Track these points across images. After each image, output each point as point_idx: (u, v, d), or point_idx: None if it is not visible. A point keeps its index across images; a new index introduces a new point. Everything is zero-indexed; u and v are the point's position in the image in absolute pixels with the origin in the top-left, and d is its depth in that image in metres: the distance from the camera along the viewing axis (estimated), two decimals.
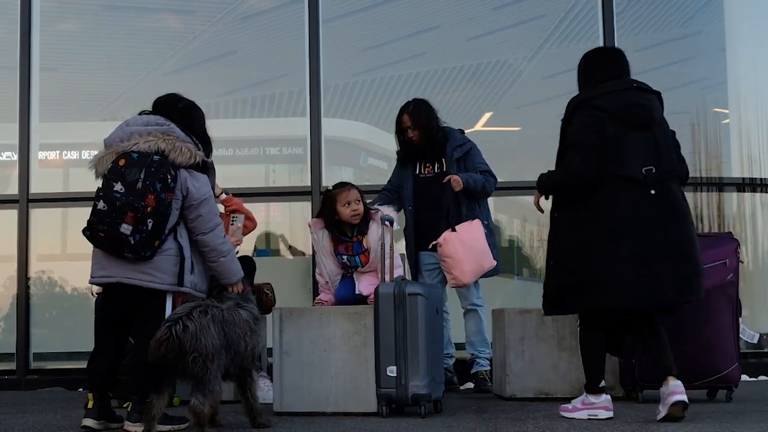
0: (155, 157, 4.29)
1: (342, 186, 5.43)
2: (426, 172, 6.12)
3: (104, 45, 7.94)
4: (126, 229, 4.20)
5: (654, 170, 4.45)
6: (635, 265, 4.40)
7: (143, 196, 4.21)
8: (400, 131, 6.12)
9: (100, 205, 4.24)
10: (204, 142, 4.62)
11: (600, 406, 4.54)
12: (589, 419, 4.50)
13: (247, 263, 5.68)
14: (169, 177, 4.28)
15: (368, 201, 5.56)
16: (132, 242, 4.21)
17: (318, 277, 5.47)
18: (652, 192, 4.44)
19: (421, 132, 6.03)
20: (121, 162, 4.27)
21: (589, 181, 4.46)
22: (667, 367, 4.47)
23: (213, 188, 4.58)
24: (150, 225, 4.23)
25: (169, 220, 4.33)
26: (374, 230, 5.28)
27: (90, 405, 4.45)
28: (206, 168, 4.51)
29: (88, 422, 4.39)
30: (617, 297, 4.43)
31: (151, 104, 4.66)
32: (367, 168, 8.11)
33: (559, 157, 4.67)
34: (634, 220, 4.44)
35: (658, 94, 4.66)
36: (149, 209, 4.21)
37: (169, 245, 4.35)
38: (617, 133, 4.48)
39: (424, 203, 6.05)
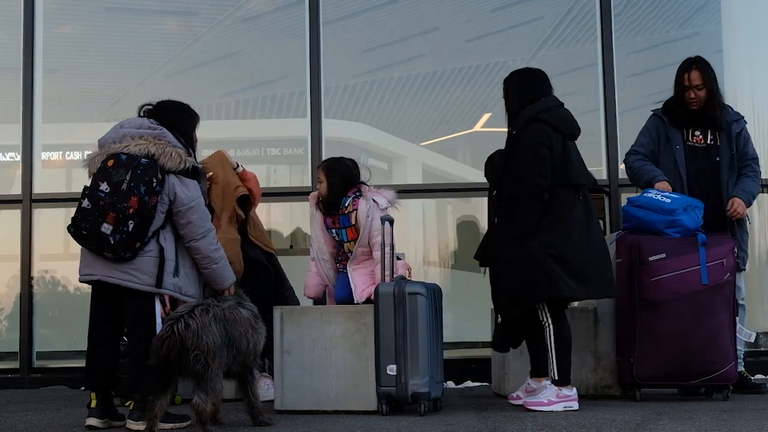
0: (143, 160, 4.35)
1: (321, 163, 5.76)
2: (695, 140, 5.71)
3: (106, 46, 7.98)
4: (106, 228, 4.27)
5: (594, 180, 5.12)
6: (580, 263, 4.84)
7: (126, 197, 4.27)
8: (682, 90, 5.66)
9: (85, 203, 4.32)
10: (189, 141, 4.70)
11: (573, 398, 4.85)
12: (565, 411, 4.76)
13: (263, 269, 5.74)
14: (154, 180, 4.33)
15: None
16: (112, 242, 4.28)
17: (310, 262, 5.66)
18: (579, 198, 4.91)
19: (707, 93, 5.62)
20: (110, 162, 4.35)
21: (545, 193, 4.85)
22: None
23: (204, 195, 4.64)
24: (131, 226, 4.29)
25: (153, 223, 4.38)
26: (363, 207, 5.42)
27: (93, 404, 4.47)
28: (197, 174, 4.56)
29: (92, 421, 4.43)
30: (575, 289, 4.83)
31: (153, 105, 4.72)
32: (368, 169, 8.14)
33: (507, 162, 5.00)
34: (580, 222, 4.88)
35: None
36: (131, 211, 4.27)
37: (151, 247, 4.40)
38: (562, 144, 4.90)
39: (694, 176, 5.64)
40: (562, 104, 5.07)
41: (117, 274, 4.39)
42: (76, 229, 4.35)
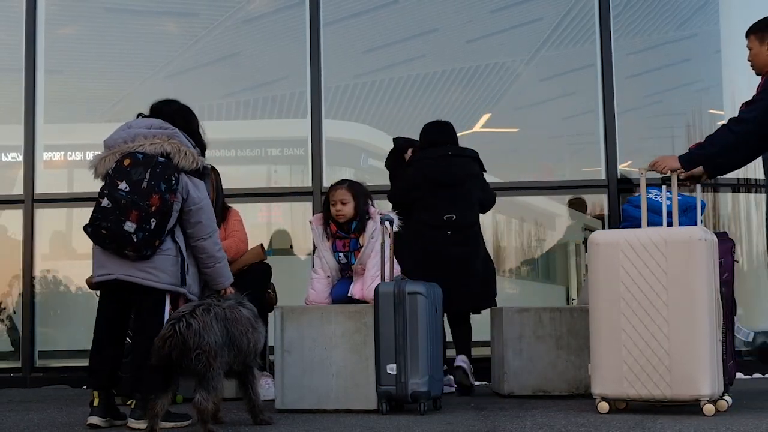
0: (160, 158, 4.37)
1: (336, 185, 5.53)
2: None
3: (108, 47, 8.00)
4: (130, 226, 4.26)
5: (455, 217, 5.87)
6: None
7: (148, 195, 4.28)
8: None
9: (104, 202, 4.30)
10: (198, 144, 4.72)
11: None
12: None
13: (265, 269, 5.76)
14: (173, 179, 4.35)
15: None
16: (135, 240, 4.28)
17: (312, 273, 5.53)
18: (449, 233, 5.85)
19: None
20: (126, 162, 4.34)
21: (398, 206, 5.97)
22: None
23: (209, 193, 4.68)
24: (153, 224, 4.30)
25: (170, 221, 4.41)
26: (369, 227, 5.37)
27: (95, 403, 4.48)
28: (203, 174, 4.59)
29: (94, 420, 4.44)
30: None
31: (149, 108, 4.74)
32: (368, 169, 8.17)
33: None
34: (434, 252, 5.82)
35: (473, 156, 6.07)
36: (153, 209, 4.28)
37: (168, 245, 4.42)
38: (429, 190, 5.91)
39: None
40: (447, 154, 5.94)
41: (135, 273, 4.39)
42: (94, 228, 4.33)
